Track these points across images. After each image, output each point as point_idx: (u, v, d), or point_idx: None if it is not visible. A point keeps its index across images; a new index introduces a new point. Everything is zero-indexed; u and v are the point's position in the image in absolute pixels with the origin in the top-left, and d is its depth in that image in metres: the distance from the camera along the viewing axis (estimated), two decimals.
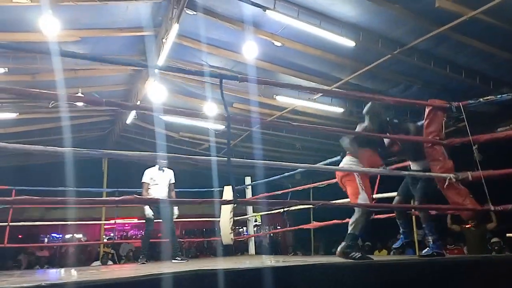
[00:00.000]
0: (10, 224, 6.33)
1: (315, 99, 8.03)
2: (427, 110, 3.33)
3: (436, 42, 5.95)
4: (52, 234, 15.12)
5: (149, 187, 5.22)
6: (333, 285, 2.53)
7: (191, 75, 6.92)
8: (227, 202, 5.38)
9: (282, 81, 7.39)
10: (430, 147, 3.25)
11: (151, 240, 5.76)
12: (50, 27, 4.78)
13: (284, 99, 8.07)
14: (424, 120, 3.34)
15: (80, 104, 7.00)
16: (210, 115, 8.27)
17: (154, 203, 5.27)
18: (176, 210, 5.40)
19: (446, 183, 3.07)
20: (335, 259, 3.22)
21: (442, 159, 3.18)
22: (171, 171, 5.44)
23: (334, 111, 8.48)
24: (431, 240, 3.32)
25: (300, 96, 7.98)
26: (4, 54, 6.00)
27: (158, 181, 5.27)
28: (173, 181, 5.40)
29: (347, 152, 3.50)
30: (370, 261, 3.09)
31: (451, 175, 3.07)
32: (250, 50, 5.95)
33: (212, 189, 7.61)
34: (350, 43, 5.82)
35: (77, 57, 5.26)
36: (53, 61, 5.48)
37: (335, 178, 4.64)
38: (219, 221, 7.27)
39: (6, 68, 6.17)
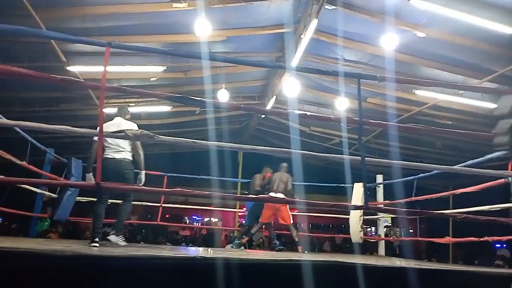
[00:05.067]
0: (162, 205, 7.28)
1: (461, 93, 7.27)
2: None
3: None
4: (193, 216, 16.85)
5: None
6: None
7: (328, 75, 6.93)
8: (358, 208, 5.30)
9: (423, 73, 6.91)
10: None
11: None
12: (202, 28, 5.33)
13: (424, 94, 7.50)
14: None
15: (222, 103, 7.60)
16: (341, 109, 8.25)
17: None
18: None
19: None
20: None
21: None
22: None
23: (485, 107, 7.53)
24: None
25: (444, 90, 7.32)
26: (164, 55, 6.87)
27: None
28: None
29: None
30: None
31: None
32: (389, 42, 5.70)
33: (343, 185, 7.55)
34: (507, 30, 5.14)
35: (221, 60, 5.79)
36: (202, 60, 6.08)
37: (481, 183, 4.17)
38: (347, 218, 7.18)
39: (165, 67, 7.07)
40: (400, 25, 5.60)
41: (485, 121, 7.92)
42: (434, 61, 6.53)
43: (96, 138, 3.85)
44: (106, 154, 3.95)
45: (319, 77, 7.93)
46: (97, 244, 3.58)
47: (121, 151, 4.01)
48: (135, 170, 4.16)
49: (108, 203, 4.14)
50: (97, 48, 3.17)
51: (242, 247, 6.21)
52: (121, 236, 4.03)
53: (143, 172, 4.20)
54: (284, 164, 6.14)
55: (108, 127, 3.85)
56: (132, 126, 3.97)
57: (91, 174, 3.95)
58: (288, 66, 5.99)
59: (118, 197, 4.41)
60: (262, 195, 5.82)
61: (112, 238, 3.92)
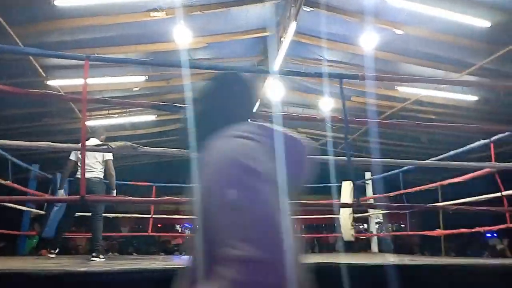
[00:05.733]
0: (153, 216, 7.21)
1: (442, 87, 7.38)
2: None
3: None
4: (185, 224, 16.72)
5: None
6: None
7: (310, 77, 6.97)
8: (349, 206, 5.32)
9: (404, 70, 6.99)
10: None
11: None
12: (182, 36, 5.30)
13: (406, 90, 7.59)
14: None
15: None
16: (326, 110, 8.29)
17: None
18: None
19: None
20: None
21: None
22: None
23: (466, 100, 7.66)
24: None
25: (425, 85, 7.42)
26: (145, 65, 6.83)
27: None
28: None
29: None
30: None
31: None
32: (369, 41, 5.76)
33: (330, 184, 7.55)
34: (484, 24, 5.23)
35: (202, 67, 5.78)
36: (183, 68, 6.05)
37: (468, 173, 4.23)
38: (338, 217, 7.20)
39: (147, 76, 7.02)
40: (378, 24, 5.67)
41: (467, 113, 8.06)
42: (414, 57, 6.62)
43: (71, 157, 4.37)
44: (78, 174, 4.28)
45: (302, 79, 7.96)
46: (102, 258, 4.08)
47: (92, 170, 4.35)
48: (112, 190, 4.48)
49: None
50: (77, 61, 3.14)
51: None
52: (101, 256, 4.26)
53: (115, 191, 4.51)
54: None
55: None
56: None
57: (62, 190, 4.39)
58: (270, 70, 6.01)
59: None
60: None
61: (96, 260, 4.11)
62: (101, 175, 4.46)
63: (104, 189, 4.51)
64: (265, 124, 1.01)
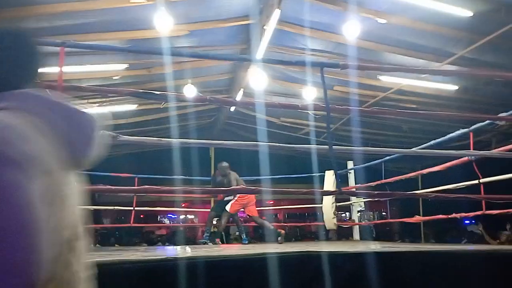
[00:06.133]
0: (135, 208, 7.15)
1: (423, 76, 7.45)
2: None
3: None
4: (168, 215, 16.65)
5: None
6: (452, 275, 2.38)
7: (292, 65, 6.93)
8: (331, 193, 5.38)
9: (386, 59, 7.02)
10: None
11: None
12: (163, 23, 5.18)
13: (388, 79, 7.65)
14: None
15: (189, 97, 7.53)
16: (309, 99, 8.29)
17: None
18: None
19: None
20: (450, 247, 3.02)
21: None
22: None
23: (447, 89, 7.78)
24: None
25: (407, 74, 7.48)
26: (125, 53, 6.67)
27: None
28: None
29: None
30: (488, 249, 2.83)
31: None
32: (352, 30, 5.75)
33: (313, 174, 7.60)
34: (466, 13, 5.29)
35: (185, 55, 5.72)
36: (165, 56, 5.94)
37: (447, 162, 4.29)
38: (321, 206, 7.26)
39: (127, 64, 6.87)
40: (361, 13, 5.65)
41: (447, 102, 8.19)
42: (396, 46, 6.64)
43: None
44: None
45: (285, 68, 7.92)
46: None
47: None
48: None
49: None
50: (55, 48, 3.03)
51: (219, 242, 6.19)
52: None
53: None
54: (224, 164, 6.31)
55: None
56: None
57: None
58: (252, 58, 5.94)
59: None
60: (238, 187, 5.87)
61: None
62: None
63: None
64: (41, 93, 0.83)
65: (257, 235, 11.12)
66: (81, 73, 6.79)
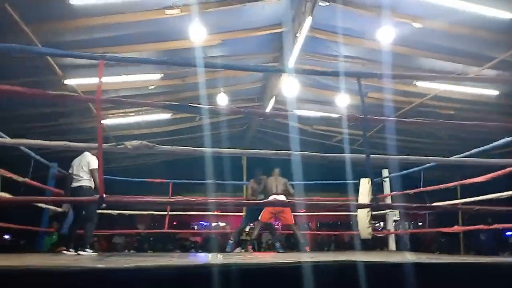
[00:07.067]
0: (169, 213, 7.26)
1: (461, 82, 7.19)
2: None
3: None
4: (201, 222, 16.80)
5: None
6: None
7: (327, 75, 6.86)
8: (366, 206, 5.24)
9: (421, 64, 6.85)
10: None
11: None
12: (197, 33, 5.29)
13: (425, 85, 7.43)
14: None
15: (223, 105, 7.63)
16: (342, 106, 8.18)
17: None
18: None
19: None
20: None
21: None
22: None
23: (487, 94, 7.46)
24: None
25: (444, 80, 7.25)
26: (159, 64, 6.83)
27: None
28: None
29: None
30: None
31: None
32: (386, 35, 5.65)
33: (347, 181, 7.47)
34: (505, 15, 5.08)
35: (217, 67, 5.78)
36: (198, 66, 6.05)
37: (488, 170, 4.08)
38: (355, 215, 7.11)
39: (162, 74, 7.04)
40: (396, 18, 5.55)
41: (487, 108, 7.85)
42: (432, 51, 6.46)
43: (70, 170, 4.88)
44: (71, 184, 4.77)
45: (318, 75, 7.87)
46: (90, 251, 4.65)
47: (80, 180, 4.76)
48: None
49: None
50: (93, 60, 3.17)
51: (251, 250, 6.17)
52: (87, 247, 4.70)
53: None
54: (277, 170, 6.26)
55: (75, 161, 4.88)
56: (93, 159, 4.76)
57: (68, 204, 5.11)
58: (286, 69, 5.93)
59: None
60: (268, 200, 5.86)
61: (82, 252, 4.56)
62: (90, 184, 4.79)
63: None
64: None
65: (289, 243, 11.02)
66: (119, 83, 7.01)
